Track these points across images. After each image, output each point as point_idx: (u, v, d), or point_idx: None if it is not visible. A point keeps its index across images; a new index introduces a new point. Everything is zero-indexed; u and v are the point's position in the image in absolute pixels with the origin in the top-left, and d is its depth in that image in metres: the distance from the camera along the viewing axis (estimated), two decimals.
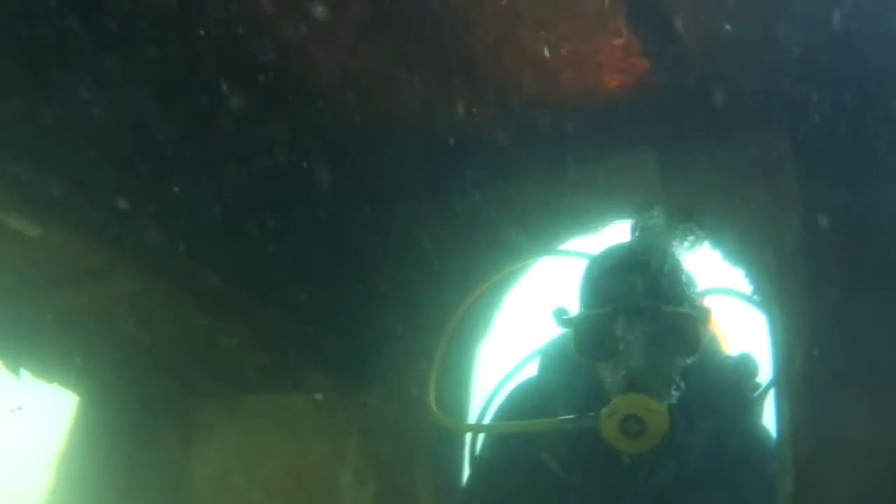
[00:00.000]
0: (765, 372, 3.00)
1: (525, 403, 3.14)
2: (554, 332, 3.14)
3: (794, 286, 2.78)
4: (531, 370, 3.30)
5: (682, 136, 3.06)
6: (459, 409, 3.41)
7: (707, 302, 3.09)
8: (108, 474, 3.52)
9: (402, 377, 3.33)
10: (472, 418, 3.36)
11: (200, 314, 3.07)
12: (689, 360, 2.83)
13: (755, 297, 3.01)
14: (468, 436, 3.25)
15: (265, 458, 3.44)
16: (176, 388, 3.56)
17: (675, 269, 2.93)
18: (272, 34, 2.89)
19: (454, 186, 3.39)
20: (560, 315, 2.97)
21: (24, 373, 3.34)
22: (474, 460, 3.25)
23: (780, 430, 2.72)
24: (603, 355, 2.84)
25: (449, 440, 3.26)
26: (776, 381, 2.88)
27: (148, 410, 3.58)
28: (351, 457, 3.29)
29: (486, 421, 3.22)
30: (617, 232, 3.26)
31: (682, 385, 2.85)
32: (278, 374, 3.43)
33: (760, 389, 3.00)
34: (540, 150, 3.17)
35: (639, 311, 2.79)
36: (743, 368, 3.03)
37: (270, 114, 3.02)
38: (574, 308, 2.98)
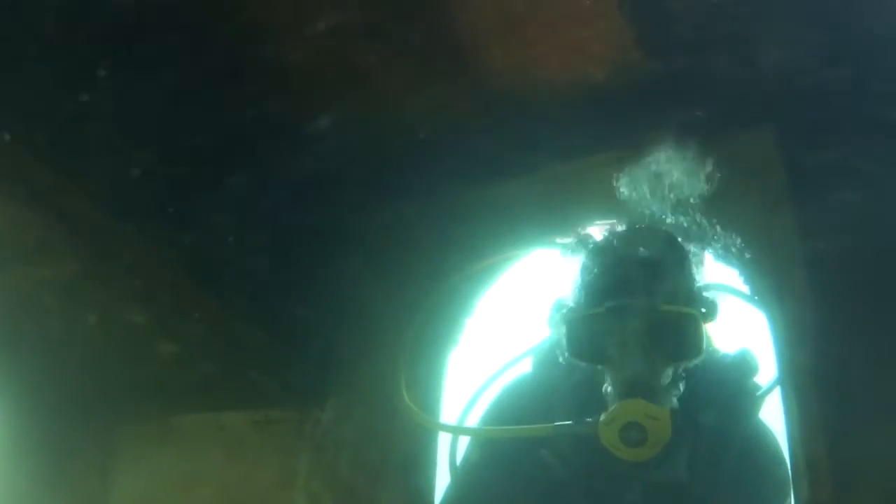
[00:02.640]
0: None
1: (518, 404, 2.89)
2: (545, 329, 2.92)
3: (792, 284, 2.67)
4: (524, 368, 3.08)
5: (672, 131, 2.91)
6: None
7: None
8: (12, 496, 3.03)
9: (363, 391, 3.04)
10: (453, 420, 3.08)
11: (140, 311, 2.69)
12: (692, 363, 2.68)
13: (754, 296, 2.88)
14: (448, 445, 2.98)
15: (200, 485, 3.04)
16: (100, 405, 3.12)
17: (677, 262, 2.77)
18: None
19: (426, 188, 3.13)
20: (558, 309, 2.77)
21: None
22: (460, 463, 2.97)
23: (789, 432, 2.57)
24: (598, 358, 2.65)
25: (420, 457, 2.98)
26: (781, 381, 2.74)
27: (67, 424, 3.10)
28: (304, 480, 2.93)
29: (474, 423, 2.96)
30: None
31: (683, 387, 2.70)
32: (219, 389, 3.05)
33: (764, 388, 2.87)
34: (520, 145, 2.97)
35: (635, 311, 2.61)
36: (744, 365, 2.88)
37: (234, 97, 2.72)
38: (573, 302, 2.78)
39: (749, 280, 2.86)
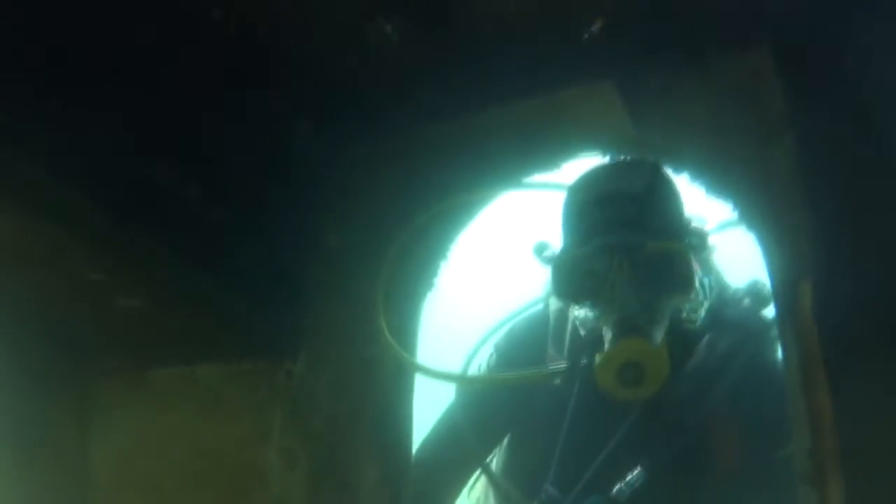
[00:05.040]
0: None
1: (530, 337, 2.90)
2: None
3: (791, 217, 2.46)
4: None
5: (652, 60, 2.66)
6: None
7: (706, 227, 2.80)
8: None
9: (334, 341, 2.88)
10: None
11: (95, 268, 2.55)
12: (684, 297, 2.57)
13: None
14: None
15: (176, 440, 2.92)
16: (70, 359, 3.00)
17: (663, 195, 2.62)
18: None
19: (391, 122, 2.91)
20: (541, 251, 2.66)
21: None
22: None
23: (790, 376, 2.39)
24: (586, 298, 2.57)
25: (395, 409, 2.85)
26: (780, 322, 2.58)
27: (38, 384, 2.98)
28: (277, 435, 2.80)
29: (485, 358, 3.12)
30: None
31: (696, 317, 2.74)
32: (189, 341, 2.92)
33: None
34: (485, 77, 2.74)
35: (622, 249, 2.50)
36: (757, 294, 2.81)
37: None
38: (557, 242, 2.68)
39: (743, 215, 2.65)
